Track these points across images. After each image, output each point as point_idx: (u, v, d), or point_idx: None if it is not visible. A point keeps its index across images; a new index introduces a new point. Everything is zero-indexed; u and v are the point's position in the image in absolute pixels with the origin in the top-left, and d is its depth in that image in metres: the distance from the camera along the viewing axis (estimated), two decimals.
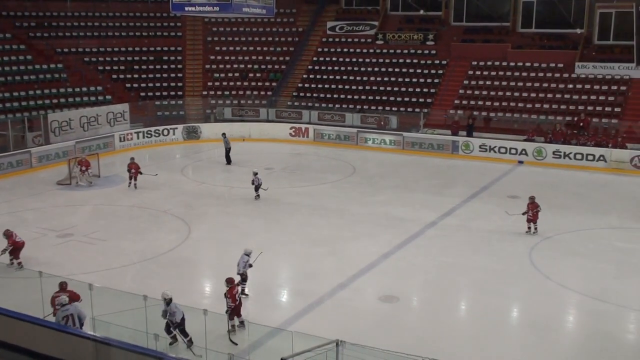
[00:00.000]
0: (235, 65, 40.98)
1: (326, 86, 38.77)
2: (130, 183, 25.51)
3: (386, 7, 42.33)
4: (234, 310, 14.03)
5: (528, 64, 35.94)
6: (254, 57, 41.28)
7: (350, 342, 11.50)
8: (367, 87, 37.95)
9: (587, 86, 33.90)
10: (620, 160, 28.83)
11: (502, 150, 30.97)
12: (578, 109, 32.82)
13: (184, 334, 13.32)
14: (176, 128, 35.04)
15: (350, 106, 36.91)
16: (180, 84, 39.71)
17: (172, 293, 13.36)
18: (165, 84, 39.27)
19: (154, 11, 42.10)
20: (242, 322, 14.16)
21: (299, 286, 17.29)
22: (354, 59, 39.81)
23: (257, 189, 24.01)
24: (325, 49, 41.16)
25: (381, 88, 37.67)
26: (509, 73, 36.04)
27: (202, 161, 31.61)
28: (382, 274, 17.73)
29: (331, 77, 39.21)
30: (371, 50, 40.02)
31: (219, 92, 39.46)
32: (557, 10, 37.13)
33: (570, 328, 15.55)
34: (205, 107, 38.26)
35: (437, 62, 38.18)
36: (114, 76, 38.61)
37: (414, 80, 37.56)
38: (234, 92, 39.38)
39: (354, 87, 38.25)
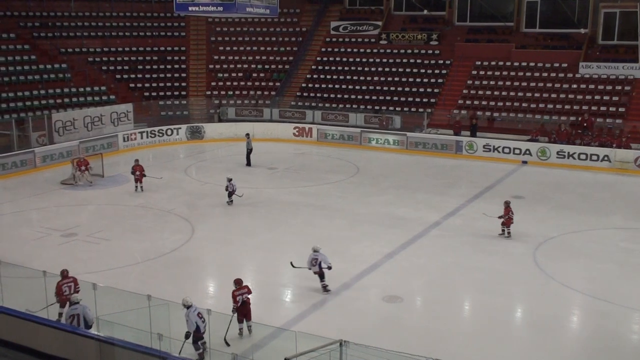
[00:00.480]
0: (239, 65, 41.01)
1: (330, 86, 38.77)
2: (137, 187, 25.29)
3: (390, 7, 42.30)
4: (239, 313, 13.92)
5: (532, 64, 35.90)
6: (257, 57, 41.31)
7: (354, 342, 11.50)
8: (371, 87, 37.95)
9: (591, 86, 33.85)
10: (625, 160, 28.78)
11: (506, 150, 30.94)
12: (582, 109, 32.77)
13: (195, 346, 12.94)
14: (180, 128, 35.07)
15: (354, 106, 36.91)
16: (184, 84, 39.77)
17: (191, 300, 13.02)
18: (169, 84, 39.32)
19: (158, 11, 42.17)
20: (249, 327, 13.99)
21: (303, 286, 17.28)
22: (358, 59, 39.82)
23: (230, 194, 23.53)
24: (329, 49, 41.17)
25: (385, 88, 37.67)
26: (512, 73, 35.99)
27: (206, 161, 31.63)
28: (386, 274, 17.73)
29: (335, 77, 39.22)
30: (375, 50, 40.02)
31: (222, 92, 39.49)
32: (561, 10, 37.08)
33: (574, 328, 15.51)
34: (208, 107, 38.31)
35: (440, 62, 38.17)
36: (118, 76, 38.68)
37: (418, 80, 37.55)
38: (237, 92, 39.42)
39: (357, 87, 38.26)
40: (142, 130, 34.00)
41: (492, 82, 35.92)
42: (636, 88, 33.14)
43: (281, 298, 16.68)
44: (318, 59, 40.83)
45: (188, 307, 12.89)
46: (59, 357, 12.71)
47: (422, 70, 37.97)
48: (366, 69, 39.13)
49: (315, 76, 39.75)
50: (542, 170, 29.27)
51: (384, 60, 39.21)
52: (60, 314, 14.44)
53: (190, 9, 25.22)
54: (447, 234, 20.84)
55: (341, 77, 39.05)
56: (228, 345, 13.46)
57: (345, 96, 37.98)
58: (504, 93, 35.16)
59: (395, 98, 36.92)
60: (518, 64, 36.25)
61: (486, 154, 31.29)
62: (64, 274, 14.52)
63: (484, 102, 35.02)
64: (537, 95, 34.41)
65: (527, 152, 30.49)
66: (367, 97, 37.50)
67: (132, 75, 39.00)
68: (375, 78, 38.31)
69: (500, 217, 20.42)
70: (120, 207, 23.82)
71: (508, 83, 35.57)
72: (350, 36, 41.48)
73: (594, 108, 32.83)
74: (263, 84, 40.17)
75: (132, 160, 26.28)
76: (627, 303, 15.87)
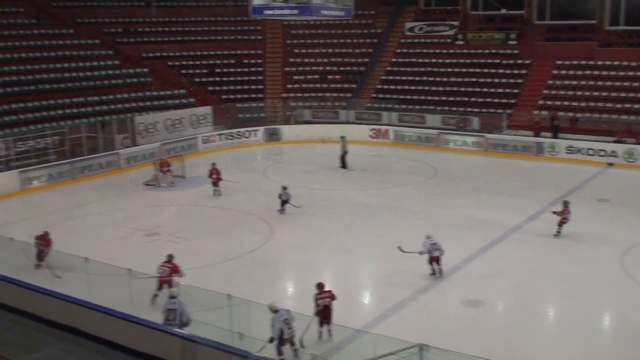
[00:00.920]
0: (315, 68, 41.20)
1: (406, 87, 38.43)
2: (214, 191, 25.46)
3: (466, 7, 41.64)
4: (320, 317, 13.79)
5: (617, 63, 34.55)
6: (332, 59, 41.39)
7: (434, 346, 11.29)
8: (448, 88, 37.43)
9: None
10: None
11: (590, 152, 29.89)
12: None
13: (278, 350, 12.85)
14: (257, 130, 35.52)
15: (431, 107, 36.47)
16: (260, 87, 40.24)
17: (278, 304, 12.97)
18: (246, 87, 39.88)
19: (235, 15, 42.84)
20: (329, 331, 13.85)
21: (381, 289, 17.17)
22: (434, 60, 39.34)
23: (283, 203, 22.82)
24: (404, 50, 40.85)
25: (462, 89, 37.08)
26: (596, 72, 34.76)
27: (283, 163, 31.91)
28: (466, 277, 17.39)
29: (410, 78, 38.85)
30: (451, 51, 39.45)
31: (298, 95, 39.76)
32: None
33: None
34: (285, 110, 38.62)
35: (519, 61, 37.28)
36: (197, 79, 39.49)
37: (496, 80, 36.77)
38: (313, 94, 39.60)
39: (434, 88, 37.80)
40: (220, 132, 34.60)
41: (574, 82, 34.80)
42: None
43: (359, 300, 16.61)
44: (393, 60, 40.56)
45: (275, 311, 12.79)
46: (144, 353, 13.03)
47: (501, 71, 37.16)
48: (442, 69, 38.61)
49: (390, 77, 39.50)
50: (630, 173, 28.14)
51: (461, 60, 38.60)
52: (155, 295, 15.21)
53: (266, 12, 25.48)
54: (529, 237, 20.28)
55: (417, 78, 38.65)
56: (303, 346, 13.42)
57: (422, 97, 37.55)
58: (587, 93, 33.99)
59: (473, 99, 36.28)
60: (602, 63, 34.95)
61: (569, 155, 30.32)
62: (169, 258, 15.74)
63: (565, 103, 33.96)
64: (622, 94, 33.10)
65: (613, 153, 29.36)
66: (444, 98, 36.99)
67: (211, 79, 39.76)
68: (452, 79, 37.76)
69: (554, 213, 19.92)
70: (200, 207, 24.28)
71: (591, 82, 34.36)
72: (426, 37, 41.03)
73: None
74: (338, 85, 40.21)
75: (212, 161, 26.73)
76: None
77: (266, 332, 12.83)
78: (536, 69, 36.59)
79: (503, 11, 39.99)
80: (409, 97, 37.85)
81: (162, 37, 40.91)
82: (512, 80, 36.50)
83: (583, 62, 35.42)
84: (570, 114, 33.16)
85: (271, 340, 12.73)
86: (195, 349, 12.52)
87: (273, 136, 35.67)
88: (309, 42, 42.54)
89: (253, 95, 39.44)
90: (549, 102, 34.38)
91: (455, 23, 40.70)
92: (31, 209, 24.22)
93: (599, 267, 17.91)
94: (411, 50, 40.59)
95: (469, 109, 35.59)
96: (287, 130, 36.00)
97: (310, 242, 20.27)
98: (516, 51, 37.89)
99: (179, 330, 12.90)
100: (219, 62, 40.70)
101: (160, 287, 15.41)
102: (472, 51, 38.87)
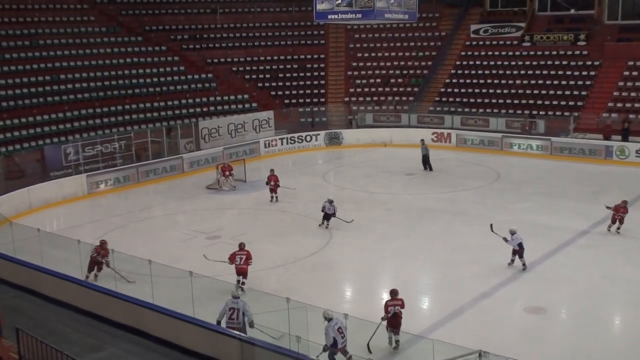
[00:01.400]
0: (377, 71, 41.07)
1: (469, 90, 37.90)
2: (272, 197, 25.35)
3: (533, 8, 40.77)
4: (389, 324, 13.62)
5: None
6: (395, 63, 41.17)
7: (494, 353, 11.07)
8: (513, 91, 36.70)
9: None
10: None
11: None
12: None
13: (330, 358, 12.62)
14: (319, 134, 35.64)
15: (495, 110, 35.81)
16: (322, 91, 40.39)
17: (332, 312, 12.65)
18: (308, 91, 40.09)
19: (298, 20, 43.13)
20: (397, 342, 13.60)
21: (440, 294, 16.96)
22: (499, 62, 38.65)
23: (327, 216, 21.73)
24: (469, 53, 40.27)
25: (527, 91, 36.29)
26: None
27: (344, 167, 31.91)
28: (529, 283, 16.99)
29: (475, 81, 38.30)
30: (517, 53, 38.67)
31: (360, 98, 39.72)
32: None
33: None
34: (347, 114, 38.62)
35: (588, 63, 36.24)
36: (260, 84, 39.95)
37: (564, 82, 35.84)
38: (375, 98, 39.49)
39: (498, 91, 37.12)
40: (282, 136, 34.88)
41: None
42: None
43: (418, 305, 16.40)
44: (457, 63, 40.05)
45: (329, 320, 12.59)
46: (203, 355, 13.23)
47: (569, 72, 36.21)
48: (508, 72, 37.89)
49: (454, 80, 39.01)
50: None
51: (527, 62, 37.78)
52: (242, 284, 16.21)
53: (329, 17, 25.51)
54: (596, 243, 19.67)
55: (481, 81, 38.06)
56: (370, 352, 13.31)
57: (486, 100, 36.94)
58: None
59: (539, 101, 35.47)
60: None
61: (639, 159, 29.30)
62: (241, 246, 17.02)
63: (636, 105, 32.84)
64: None
65: None
66: (508, 101, 36.29)
67: (274, 84, 40.15)
68: (518, 81, 37.02)
69: (608, 207, 19.64)
70: (261, 211, 24.51)
71: None
72: (492, 39, 40.34)
73: None
74: (401, 89, 39.95)
75: (273, 165, 26.93)
76: None
77: (323, 336, 12.84)
78: (606, 70, 35.51)
79: (572, 11, 38.99)
80: (472, 100, 37.33)
81: (227, 43, 41.56)
82: (580, 82, 35.50)
83: None
84: None
85: (325, 349, 12.59)
86: (254, 351, 12.64)
87: (334, 140, 35.72)
88: (372, 45, 42.43)
89: (315, 100, 39.61)
90: (619, 105, 33.30)
91: (522, 24, 39.86)
92: (98, 212, 24.92)
93: None
94: (476, 53, 39.98)
95: (535, 112, 34.79)
96: (349, 134, 35.99)
97: (370, 246, 20.20)
98: (585, 52, 36.86)
99: (237, 333, 13.03)
100: (282, 66, 41.07)
101: (239, 275, 16.41)
102: (539, 53, 37.98)
